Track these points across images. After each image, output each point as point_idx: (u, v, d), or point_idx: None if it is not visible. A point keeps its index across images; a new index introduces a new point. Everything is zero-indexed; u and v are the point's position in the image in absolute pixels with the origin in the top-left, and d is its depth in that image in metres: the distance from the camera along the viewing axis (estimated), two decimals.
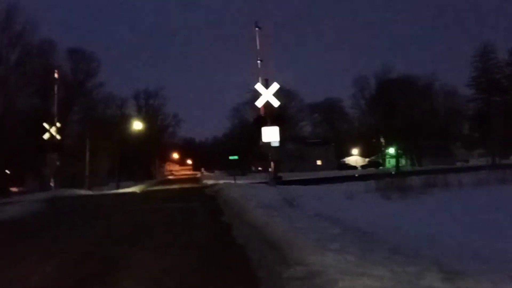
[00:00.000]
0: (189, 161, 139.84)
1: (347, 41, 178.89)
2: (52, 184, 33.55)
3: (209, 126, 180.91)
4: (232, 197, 15.59)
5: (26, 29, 40.18)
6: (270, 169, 23.78)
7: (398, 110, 65.72)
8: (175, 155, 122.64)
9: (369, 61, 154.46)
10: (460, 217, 8.90)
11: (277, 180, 23.61)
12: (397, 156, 69.96)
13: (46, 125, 34.81)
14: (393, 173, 26.83)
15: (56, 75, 37.54)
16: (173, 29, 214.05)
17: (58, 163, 33.84)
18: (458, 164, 64.28)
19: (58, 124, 35.45)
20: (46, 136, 34.50)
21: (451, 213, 9.45)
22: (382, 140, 71.91)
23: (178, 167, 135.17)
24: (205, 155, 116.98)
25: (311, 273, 5.09)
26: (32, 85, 42.31)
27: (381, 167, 70.92)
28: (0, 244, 9.46)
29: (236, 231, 8.99)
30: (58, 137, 35.06)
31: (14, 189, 40.33)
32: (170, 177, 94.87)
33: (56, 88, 36.92)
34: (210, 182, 37.15)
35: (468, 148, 76.34)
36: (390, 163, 74.99)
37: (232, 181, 30.64)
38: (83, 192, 32.73)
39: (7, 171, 39.05)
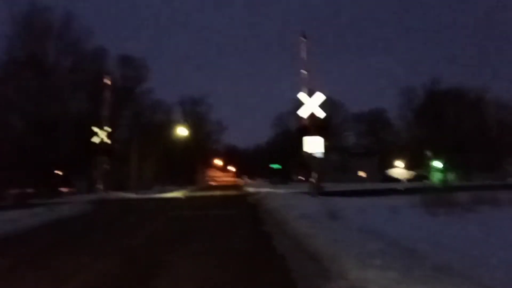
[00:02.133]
0: (231, 168, 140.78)
1: (394, 51, 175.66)
2: (100, 186, 34.74)
3: (252, 134, 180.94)
4: (274, 206, 15.63)
5: (81, 37, 41.99)
6: (312, 180, 23.67)
7: (447, 122, 63.69)
8: (218, 162, 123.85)
9: (417, 71, 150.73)
10: (509, 237, 8.55)
11: (319, 191, 23.44)
12: (444, 170, 67.74)
13: (96, 130, 36.07)
14: (439, 187, 26.00)
15: (107, 82, 38.92)
16: (221, 37, 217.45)
17: (106, 166, 35.01)
18: (510, 180, 61.46)
19: (108, 129, 36.69)
20: (96, 140, 35.72)
21: (500, 233, 9.08)
22: (428, 153, 69.76)
23: (220, 174, 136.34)
24: (248, 162, 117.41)
25: None
26: (84, 91, 44.00)
27: (426, 181, 68.81)
28: (54, 243, 10.01)
29: (277, 241, 9.03)
30: (108, 141, 36.24)
31: (64, 189, 41.95)
32: (212, 183, 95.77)
33: (107, 94, 38.26)
34: (251, 190, 37.26)
35: None
36: (437, 177, 72.67)
37: (274, 190, 30.65)
38: (129, 195, 33.62)
39: (59, 172, 40.67)
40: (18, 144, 38.22)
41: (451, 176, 70.57)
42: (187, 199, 27.82)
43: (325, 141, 22.94)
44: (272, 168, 48.16)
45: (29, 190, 38.14)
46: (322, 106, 23.32)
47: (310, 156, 22.63)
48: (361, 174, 75.57)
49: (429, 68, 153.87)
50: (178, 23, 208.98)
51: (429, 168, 75.88)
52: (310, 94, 23.11)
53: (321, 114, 22.79)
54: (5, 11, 45.34)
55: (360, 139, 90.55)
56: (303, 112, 23.13)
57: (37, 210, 16.23)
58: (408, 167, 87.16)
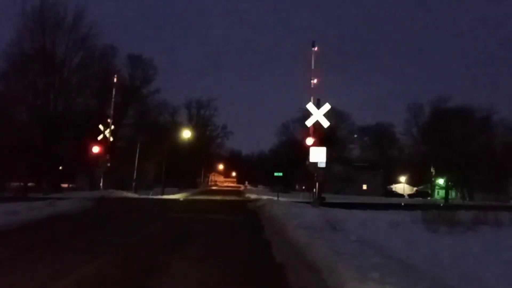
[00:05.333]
0: (234, 174, 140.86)
1: (403, 67, 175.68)
2: (101, 184, 34.72)
3: (256, 140, 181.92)
4: (274, 214, 15.56)
5: (91, 33, 41.87)
6: (314, 190, 23.54)
7: (452, 140, 63.43)
8: (221, 166, 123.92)
9: (425, 88, 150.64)
10: (507, 257, 8.46)
11: (320, 201, 23.31)
12: (447, 188, 67.45)
13: (101, 127, 36.15)
14: (441, 205, 25.85)
15: (115, 80, 39.00)
16: (229, 43, 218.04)
17: (108, 164, 34.99)
18: None
19: (112, 127, 36.75)
20: (100, 137, 35.79)
21: (498, 252, 9.00)
22: (432, 170, 69.48)
23: (222, 178, 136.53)
24: (250, 169, 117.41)
25: None
26: (91, 88, 43.96)
27: (429, 198, 68.58)
28: (50, 239, 9.94)
29: (276, 249, 9.00)
30: (111, 139, 36.31)
31: (65, 185, 41.97)
32: (214, 187, 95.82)
33: (114, 92, 38.32)
34: (252, 196, 37.16)
35: None
36: (439, 194, 72.40)
37: (275, 198, 30.51)
38: (129, 194, 33.56)
39: (60, 167, 40.68)
40: (22, 137, 38.22)
41: (453, 195, 70.31)
42: (187, 202, 27.77)
43: (329, 151, 22.82)
44: (275, 176, 47.96)
45: (30, 184, 38.19)
46: (328, 115, 23.23)
47: (313, 166, 22.48)
48: (364, 187, 75.33)
49: (437, 86, 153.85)
50: (190, 28, 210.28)
51: (432, 185, 75.66)
52: (317, 103, 23.04)
53: (325, 123, 22.68)
54: (17, 4, 45.49)
55: (365, 152, 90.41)
56: (309, 122, 23.06)
57: (36, 204, 16.09)
58: (411, 183, 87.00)
